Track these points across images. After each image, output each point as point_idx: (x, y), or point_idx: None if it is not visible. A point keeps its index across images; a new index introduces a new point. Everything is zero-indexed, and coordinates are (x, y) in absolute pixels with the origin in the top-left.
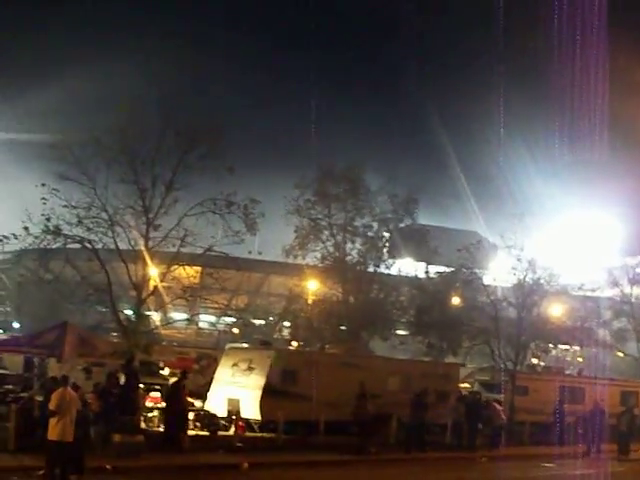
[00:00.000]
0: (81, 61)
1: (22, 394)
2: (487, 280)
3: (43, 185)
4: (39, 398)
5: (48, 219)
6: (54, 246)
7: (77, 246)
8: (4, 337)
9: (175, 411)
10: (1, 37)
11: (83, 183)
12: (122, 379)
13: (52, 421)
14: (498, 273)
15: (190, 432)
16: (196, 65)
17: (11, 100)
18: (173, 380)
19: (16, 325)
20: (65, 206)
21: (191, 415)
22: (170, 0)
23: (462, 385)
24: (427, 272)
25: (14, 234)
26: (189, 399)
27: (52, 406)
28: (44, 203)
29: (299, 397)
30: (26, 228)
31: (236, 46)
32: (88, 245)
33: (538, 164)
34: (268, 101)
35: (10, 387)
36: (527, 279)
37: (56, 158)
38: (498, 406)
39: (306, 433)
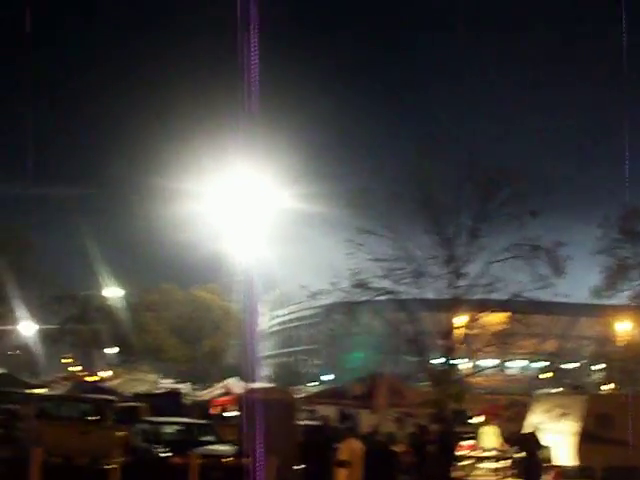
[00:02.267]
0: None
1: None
2: None
3: (349, 241)
4: None
5: (355, 273)
6: (362, 299)
7: (384, 298)
8: (317, 389)
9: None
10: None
11: (387, 236)
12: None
13: (342, 471)
14: None
15: None
16: (490, 110)
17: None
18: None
19: (327, 377)
20: (370, 260)
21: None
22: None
23: None
24: None
25: (323, 290)
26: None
27: (344, 456)
28: (350, 258)
29: (616, 442)
30: (334, 283)
31: (527, 90)
32: (395, 297)
33: None
34: (564, 142)
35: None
36: None
37: (360, 214)
38: None
39: None
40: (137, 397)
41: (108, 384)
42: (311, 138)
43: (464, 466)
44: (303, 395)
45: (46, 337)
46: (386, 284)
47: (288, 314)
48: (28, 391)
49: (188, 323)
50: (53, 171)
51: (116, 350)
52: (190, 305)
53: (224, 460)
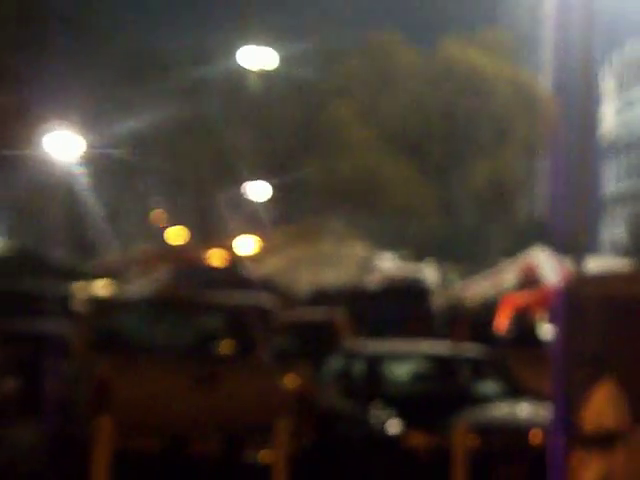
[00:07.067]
0: None
1: None
2: None
3: None
4: None
5: None
6: None
7: None
8: None
9: None
10: None
11: None
12: None
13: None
14: None
15: None
16: None
17: None
18: None
19: None
20: None
21: None
22: None
23: None
24: None
25: None
26: None
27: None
28: None
29: None
30: None
31: None
32: None
33: None
34: None
35: None
36: None
37: None
38: None
39: None
40: (323, 296)
41: (256, 267)
42: None
43: None
44: None
45: (122, 165)
46: None
47: None
48: (75, 288)
49: (432, 120)
50: None
51: (270, 191)
52: (437, 77)
53: (529, 438)
